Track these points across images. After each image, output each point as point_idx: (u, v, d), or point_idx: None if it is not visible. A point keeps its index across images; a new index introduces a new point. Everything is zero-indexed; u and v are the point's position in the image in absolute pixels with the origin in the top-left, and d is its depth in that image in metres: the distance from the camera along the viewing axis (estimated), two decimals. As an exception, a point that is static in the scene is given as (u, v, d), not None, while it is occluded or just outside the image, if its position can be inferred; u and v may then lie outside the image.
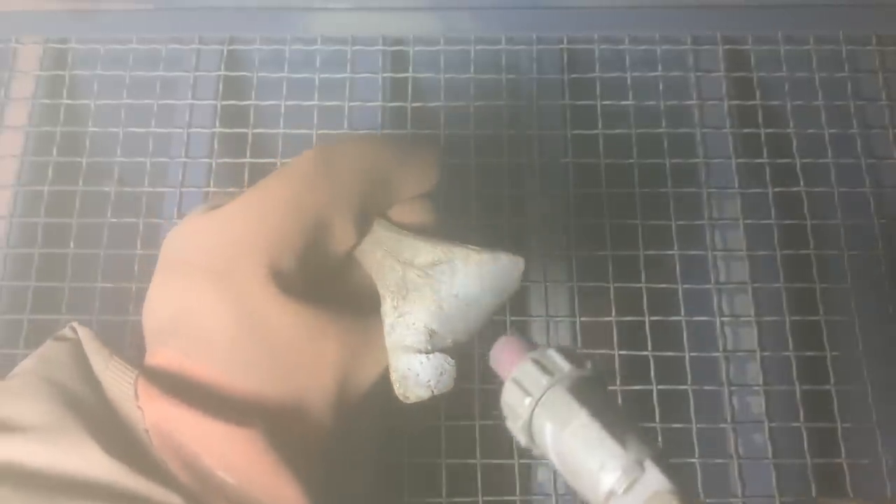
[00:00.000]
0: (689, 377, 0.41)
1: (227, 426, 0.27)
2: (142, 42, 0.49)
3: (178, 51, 0.49)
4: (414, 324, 0.30)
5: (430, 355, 0.30)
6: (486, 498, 0.39)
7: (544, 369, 0.26)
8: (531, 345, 0.27)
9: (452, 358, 0.31)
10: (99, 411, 0.27)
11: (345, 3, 0.50)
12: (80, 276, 0.43)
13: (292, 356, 0.29)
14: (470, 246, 0.31)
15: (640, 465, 0.24)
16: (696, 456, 0.39)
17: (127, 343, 0.42)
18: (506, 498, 0.39)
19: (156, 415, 0.27)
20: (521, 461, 0.40)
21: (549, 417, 0.25)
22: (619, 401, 0.40)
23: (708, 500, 0.39)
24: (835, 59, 0.48)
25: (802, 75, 0.47)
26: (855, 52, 0.48)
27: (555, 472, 0.40)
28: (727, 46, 0.49)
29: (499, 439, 0.40)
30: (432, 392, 0.30)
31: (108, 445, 0.26)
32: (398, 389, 0.31)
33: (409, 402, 0.31)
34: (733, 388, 0.41)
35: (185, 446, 0.27)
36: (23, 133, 0.47)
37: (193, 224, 0.30)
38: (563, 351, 0.26)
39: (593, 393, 0.25)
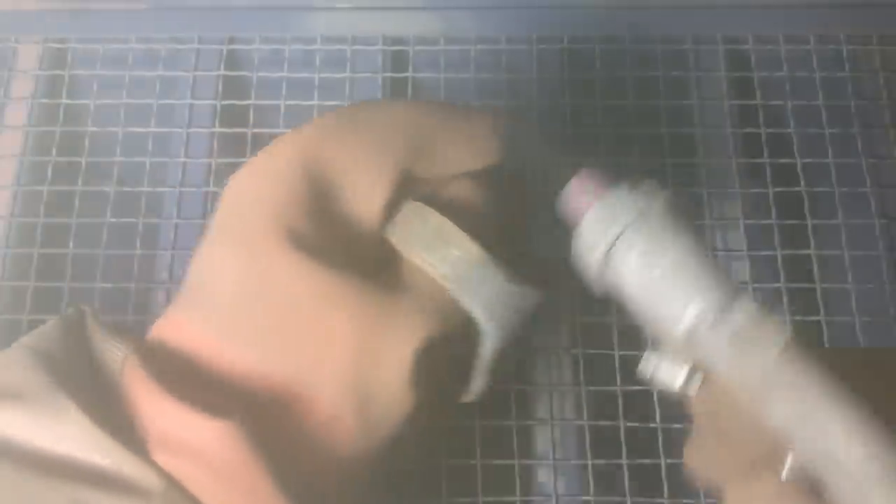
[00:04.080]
0: (690, 377, 0.41)
1: (201, 417, 0.24)
2: (141, 42, 0.49)
3: (178, 50, 0.49)
4: None
5: None
6: (485, 499, 0.39)
7: (636, 193, 0.25)
8: (608, 178, 0.26)
9: None
10: (88, 383, 0.26)
11: (345, 3, 0.49)
12: (79, 276, 0.43)
13: (300, 322, 0.26)
14: (500, 264, 0.28)
15: (733, 298, 0.23)
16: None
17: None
18: (506, 499, 0.39)
19: (136, 397, 0.26)
20: (522, 462, 0.40)
21: (638, 243, 0.24)
22: (620, 400, 0.40)
23: (708, 500, 0.39)
24: (836, 58, 0.48)
25: (803, 75, 0.47)
26: (856, 52, 0.48)
27: (555, 473, 0.40)
28: (727, 46, 0.48)
29: (499, 440, 0.40)
30: None
31: (94, 415, 0.25)
32: None
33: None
34: (734, 388, 0.41)
35: (165, 432, 0.25)
36: (22, 133, 0.47)
37: (228, 183, 0.28)
38: (650, 183, 0.25)
39: (687, 220, 0.24)
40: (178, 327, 0.28)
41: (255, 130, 0.46)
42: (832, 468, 0.22)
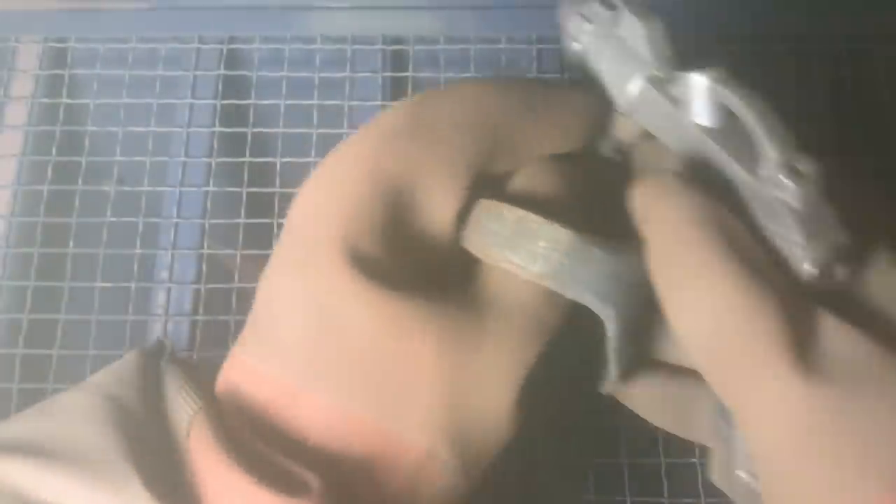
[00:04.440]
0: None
1: (275, 496, 0.21)
2: (141, 41, 0.49)
3: (178, 50, 0.49)
4: None
5: None
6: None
7: None
8: None
9: None
10: (157, 446, 0.23)
11: (344, 2, 0.49)
12: (79, 275, 0.43)
13: (380, 361, 0.23)
14: (595, 241, 0.25)
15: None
16: (697, 456, 0.39)
17: (126, 344, 0.42)
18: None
19: (203, 468, 0.23)
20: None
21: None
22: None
23: (708, 500, 0.39)
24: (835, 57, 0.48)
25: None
26: (855, 51, 0.48)
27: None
28: (725, 45, 0.48)
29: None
30: None
31: (157, 490, 0.22)
32: None
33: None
34: (734, 387, 0.41)
35: None
36: (22, 132, 0.47)
37: (296, 196, 0.25)
38: None
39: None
40: (248, 371, 0.24)
41: (256, 130, 0.46)
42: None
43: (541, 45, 0.48)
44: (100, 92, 0.47)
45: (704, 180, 0.25)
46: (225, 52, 0.48)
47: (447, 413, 0.23)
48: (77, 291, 0.43)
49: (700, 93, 0.25)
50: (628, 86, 0.26)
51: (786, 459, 0.21)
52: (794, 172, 0.22)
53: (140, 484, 0.22)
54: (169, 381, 0.25)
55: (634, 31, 0.26)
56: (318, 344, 0.23)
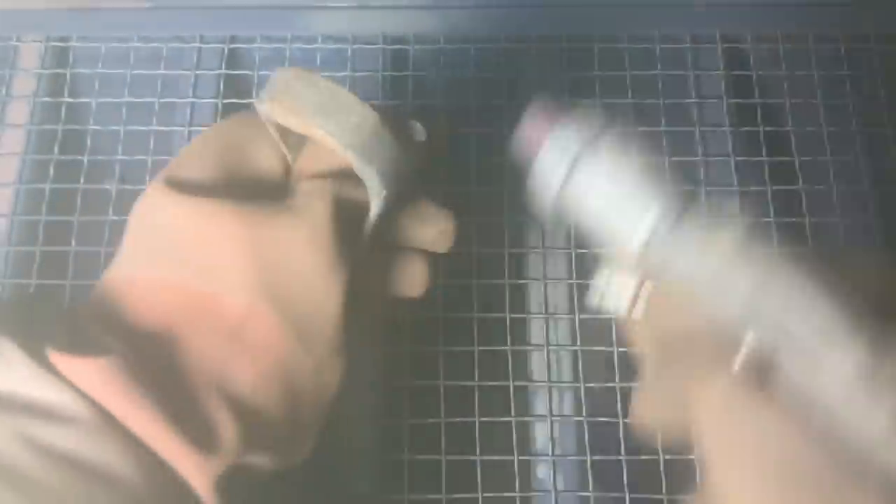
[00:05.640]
0: (689, 374, 0.41)
1: (74, 358, 0.26)
2: (143, 40, 0.49)
3: (180, 49, 0.49)
4: None
5: None
6: (485, 494, 0.39)
7: (586, 122, 0.26)
8: (562, 109, 0.27)
9: None
10: (31, 329, 0.28)
11: (345, 2, 0.50)
12: (81, 274, 0.43)
13: (191, 242, 0.29)
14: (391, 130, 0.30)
15: (688, 205, 0.24)
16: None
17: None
18: (505, 494, 0.39)
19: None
20: (521, 458, 0.40)
21: (593, 168, 0.25)
22: (619, 399, 0.41)
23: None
24: (834, 56, 0.48)
25: (801, 73, 0.48)
26: (854, 51, 0.48)
27: (554, 469, 0.40)
28: (726, 45, 0.49)
29: (499, 435, 0.40)
30: None
31: (33, 354, 0.26)
32: None
33: None
34: (732, 385, 0.41)
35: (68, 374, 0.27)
36: (24, 131, 0.47)
37: None
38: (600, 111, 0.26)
39: (636, 145, 0.25)
40: (105, 280, 0.30)
41: (256, 129, 0.46)
42: (786, 344, 0.22)
43: (540, 45, 0.49)
44: (101, 91, 0.48)
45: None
46: (226, 51, 0.49)
47: (259, 272, 0.28)
48: (78, 290, 0.43)
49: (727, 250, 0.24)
50: (640, 225, 0.24)
51: None
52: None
53: (16, 348, 0.26)
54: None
55: (628, 162, 0.25)
56: (141, 240, 0.30)
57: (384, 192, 0.30)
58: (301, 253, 0.28)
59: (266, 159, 0.32)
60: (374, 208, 0.30)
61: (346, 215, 0.30)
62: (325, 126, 0.28)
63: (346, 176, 0.30)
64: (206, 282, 0.28)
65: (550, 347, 0.42)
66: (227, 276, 0.28)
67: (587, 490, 0.39)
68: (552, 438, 0.41)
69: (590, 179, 0.25)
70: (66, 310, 0.30)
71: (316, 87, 0.28)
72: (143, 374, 0.26)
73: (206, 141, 0.32)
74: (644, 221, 0.24)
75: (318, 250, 0.28)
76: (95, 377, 0.26)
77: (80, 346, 0.27)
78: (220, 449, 0.27)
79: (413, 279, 0.33)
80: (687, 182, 0.46)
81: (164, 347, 0.28)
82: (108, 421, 0.26)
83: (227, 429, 0.27)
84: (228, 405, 0.27)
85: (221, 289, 0.28)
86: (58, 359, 0.26)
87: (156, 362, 0.27)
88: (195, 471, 0.26)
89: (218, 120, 0.47)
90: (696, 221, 0.24)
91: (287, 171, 0.32)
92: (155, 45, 0.49)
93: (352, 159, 0.29)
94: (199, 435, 0.27)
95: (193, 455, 0.26)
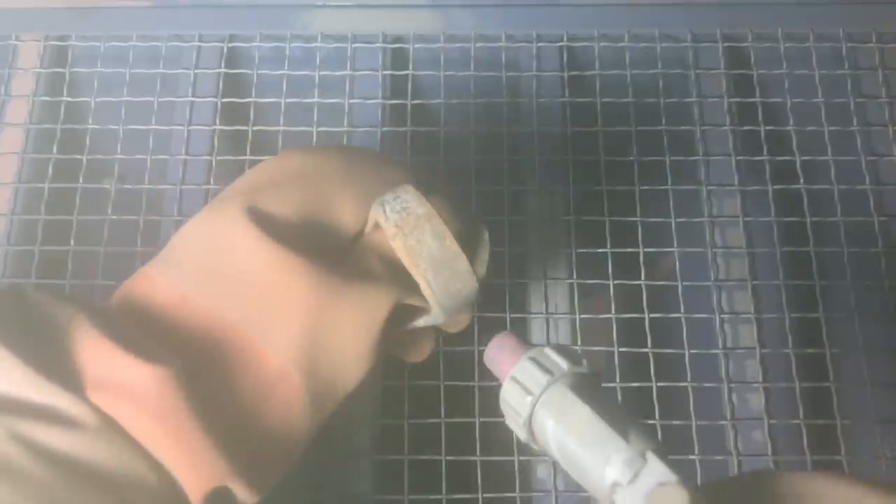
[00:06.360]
0: (689, 374, 0.41)
1: (139, 362, 0.26)
2: (142, 39, 0.49)
3: (179, 48, 0.49)
4: None
5: None
6: (485, 495, 0.39)
7: (543, 368, 0.26)
8: (526, 343, 0.28)
9: None
10: (29, 336, 0.27)
11: (345, 1, 0.50)
12: (80, 273, 0.43)
13: (259, 282, 0.29)
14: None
15: (643, 457, 0.24)
16: (696, 452, 0.39)
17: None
18: (505, 494, 0.39)
19: (80, 346, 0.27)
20: (521, 458, 0.40)
21: (550, 415, 0.25)
22: (619, 397, 0.40)
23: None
24: (835, 56, 0.48)
25: (802, 72, 0.47)
26: (855, 50, 0.48)
27: (554, 469, 0.40)
28: (727, 44, 0.49)
29: (499, 436, 0.40)
30: None
31: (30, 360, 0.26)
32: None
33: None
34: (733, 384, 0.41)
35: (104, 375, 0.27)
36: (23, 130, 0.47)
37: None
38: (558, 349, 0.26)
39: (592, 389, 0.26)
40: (149, 279, 0.30)
41: (256, 128, 0.46)
42: None
43: (541, 43, 0.48)
44: (100, 90, 0.47)
45: None
46: (225, 50, 0.48)
47: (306, 344, 0.29)
48: (77, 289, 0.43)
49: None
50: (607, 469, 0.24)
51: None
52: None
53: (11, 355, 0.26)
54: (40, 299, 0.29)
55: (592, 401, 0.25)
56: (209, 263, 0.29)
57: (440, 321, 0.33)
58: (351, 338, 0.29)
59: (348, 216, 0.31)
60: (423, 324, 0.33)
61: (397, 314, 0.31)
62: (433, 282, 0.30)
63: (409, 277, 0.31)
64: (259, 331, 0.29)
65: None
66: (278, 333, 0.29)
67: (586, 490, 0.39)
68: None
69: (548, 426, 0.25)
70: (98, 307, 0.29)
71: (441, 242, 0.30)
72: (196, 389, 0.27)
73: (295, 173, 0.32)
74: (607, 474, 0.24)
75: (364, 342, 0.30)
76: (152, 385, 0.26)
77: (134, 350, 0.27)
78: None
79: (422, 350, 0.36)
80: (687, 182, 0.45)
81: (204, 374, 0.28)
82: (109, 425, 0.26)
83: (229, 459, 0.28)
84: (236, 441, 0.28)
85: (265, 343, 0.29)
86: (110, 353, 0.26)
87: (203, 382, 0.28)
88: (199, 483, 0.27)
89: (217, 120, 0.47)
90: (650, 483, 0.24)
91: (361, 231, 0.32)
92: (154, 43, 0.49)
93: (435, 312, 0.32)
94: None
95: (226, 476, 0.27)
